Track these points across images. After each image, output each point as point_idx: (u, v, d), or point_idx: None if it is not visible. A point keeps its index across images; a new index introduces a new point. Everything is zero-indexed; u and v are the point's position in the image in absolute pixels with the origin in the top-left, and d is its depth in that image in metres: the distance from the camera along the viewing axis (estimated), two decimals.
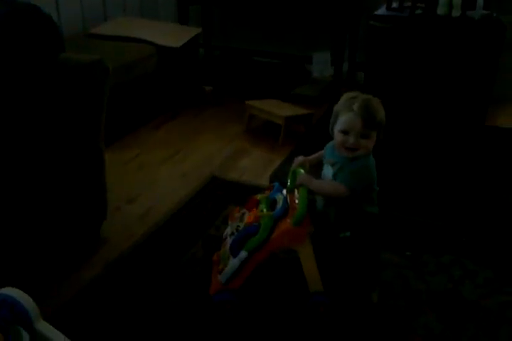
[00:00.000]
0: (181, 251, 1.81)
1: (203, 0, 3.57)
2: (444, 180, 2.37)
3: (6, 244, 1.46)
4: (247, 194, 1.75)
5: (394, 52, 2.64)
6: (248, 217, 1.56)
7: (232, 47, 3.93)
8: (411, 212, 2.10)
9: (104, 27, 3.02)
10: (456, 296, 1.63)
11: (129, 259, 1.76)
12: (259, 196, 1.63)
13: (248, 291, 1.56)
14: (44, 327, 0.98)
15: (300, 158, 1.63)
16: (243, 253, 1.46)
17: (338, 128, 1.47)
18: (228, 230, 1.63)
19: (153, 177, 2.35)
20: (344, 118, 1.44)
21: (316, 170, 1.61)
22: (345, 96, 1.50)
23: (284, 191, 1.58)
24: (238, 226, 1.58)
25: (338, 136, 1.47)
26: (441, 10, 2.54)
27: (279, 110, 2.77)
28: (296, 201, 1.49)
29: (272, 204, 1.57)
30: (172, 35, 3.04)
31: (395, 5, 2.71)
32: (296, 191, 1.54)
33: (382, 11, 2.70)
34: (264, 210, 1.54)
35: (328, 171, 1.53)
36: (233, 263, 1.48)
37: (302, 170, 1.57)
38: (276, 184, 1.65)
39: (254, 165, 2.49)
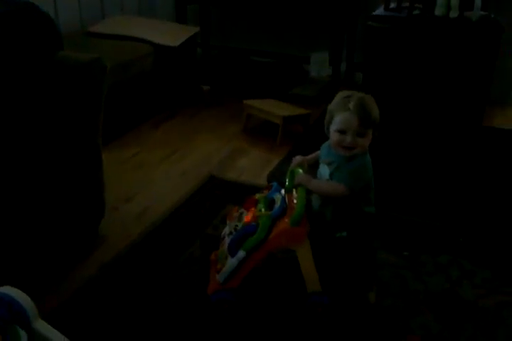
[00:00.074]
0: (179, 250, 1.81)
1: None
2: (442, 181, 2.38)
3: (3, 243, 1.46)
4: (246, 193, 1.75)
5: (392, 52, 2.64)
6: (246, 217, 1.56)
7: (230, 47, 3.92)
8: (409, 212, 2.11)
9: (102, 25, 3.01)
10: (454, 296, 1.63)
11: (126, 258, 1.76)
12: (257, 196, 1.63)
13: (246, 291, 1.55)
14: (42, 326, 0.98)
15: (298, 158, 1.63)
16: (241, 253, 1.46)
17: (334, 127, 1.46)
18: (226, 230, 1.63)
19: (151, 177, 2.35)
20: (340, 117, 1.44)
21: (312, 170, 1.61)
22: (339, 96, 1.49)
23: (283, 191, 1.58)
24: (236, 225, 1.58)
25: (334, 136, 1.47)
26: (439, 11, 2.54)
27: (277, 110, 2.77)
28: (295, 201, 1.49)
29: (270, 203, 1.57)
30: (170, 34, 3.04)
31: (393, 5, 2.72)
32: (294, 191, 1.54)
33: (380, 11, 2.71)
34: (263, 210, 1.53)
35: (324, 171, 1.53)
36: (231, 262, 1.48)
37: (300, 170, 1.57)
38: (275, 184, 1.65)
39: (252, 165, 2.49)
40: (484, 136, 2.80)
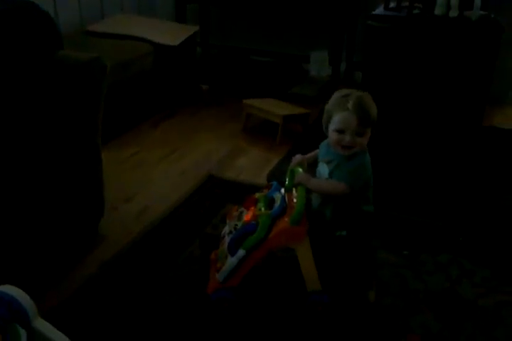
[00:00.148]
0: (179, 249, 1.81)
1: None
2: (442, 180, 2.38)
3: (3, 242, 1.46)
4: (245, 193, 1.75)
5: (391, 51, 2.64)
6: (246, 216, 1.56)
7: (230, 46, 3.92)
8: (408, 211, 2.11)
9: (102, 25, 3.01)
10: (454, 295, 1.63)
11: (126, 258, 1.76)
12: (257, 195, 1.63)
13: (246, 290, 1.55)
14: (42, 325, 0.98)
15: (298, 157, 1.63)
16: (241, 252, 1.46)
17: (333, 127, 1.46)
18: (226, 229, 1.63)
19: (150, 176, 2.35)
20: (339, 117, 1.44)
21: (311, 168, 1.61)
22: (337, 94, 1.49)
23: (282, 190, 1.58)
24: (236, 224, 1.57)
25: (333, 135, 1.47)
26: (438, 10, 2.54)
27: (277, 109, 2.77)
28: (294, 200, 1.49)
29: (270, 202, 1.57)
30: (169, 34, 3.04)
31: (392, 5, 2.71)
32: (294, 190, 1.54)
33: (379, 10, 2.71)
34: (263, 209, 1.53)
35: (323, 169, 1.53)
36: (231, 261, 1.48)
37: (300, 169, 1.57)
38: (275, 183, 1.65)
39: (251, 164, 2.49)
40: (484, 135, 2.81)
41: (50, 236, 1.63)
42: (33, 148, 1.53)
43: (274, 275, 1.66)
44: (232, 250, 1.48)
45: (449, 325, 1.52)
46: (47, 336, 0.96)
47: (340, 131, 1.44)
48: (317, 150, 1.62)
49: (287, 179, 1.59)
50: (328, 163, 1.51)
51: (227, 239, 1.55)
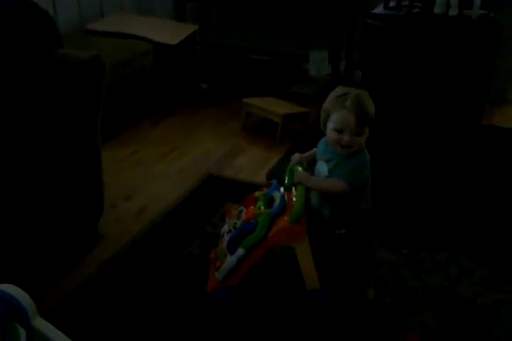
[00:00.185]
0: (178, 248, 1.81)
1: None
2: (441, 179, 2.38)
3: (2, 241, 1.46)
4: (245, 191, 1.75)
5: (391, 50, 2.64)
6: (245, 215, 1.56)
7: (229, 45, 3.92)
8: (408, 210, 2.11)
9: (101, 23, 3.00)
10: (453, 294, 1.63)
11: (125, 257, 1.76)
12: (256, 193, 1.63)
13: (245, 289, 1.56)
14: (41, 323, 0.98)
15: (297, 156, 1.63)
16: (240, 251, 1.46)
17: (331, 126, 1.46)
18: (225, 227, 1.63)
19: (149, 175, 2.35)
20: (337, 116, 1.43)
21: (309, 167, 1.61)
22: (335, 93, 1.48)
23: (282, 189, 1.58)
24: (235, 223, 1.57)
25: (332, 134, 1.46)
26: (438, 9, 2.54)
27: (276, 108, 2.77)
28: (294, 199, 1.50)
29: (269, 201, 1.57)
30: (169, 32, 3.03)
31: (392, 4, 2.71)
32: (293, 189, 1.54)
33: (379, 9, 2.70)
34: (262, 208, 1.54)
35: (322, 168, 1.53)
36: (230, 260, 1.48)
37: (300, 168, 1.57)
38: (274, 181, 1.65)
39: (251, 163, 2.49)
40: (483, 134, 2.81)
41: (50, 235, 1.63)
42: (32, 147, 1.53)
43: (273, 274, 1.66)
44: (232, 249, 1.48)
45: (447, 324, 1.52)
46: (46, 335, 0.96)
47: (338, 131, 1.44)
48: (315, 149, 1.62)
49: (287, 178, 1.59)
50: (327, 161, 1.51)
51: (226, 238, 1.55)
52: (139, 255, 1.77)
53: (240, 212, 1.61)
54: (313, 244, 1.47)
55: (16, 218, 1.49)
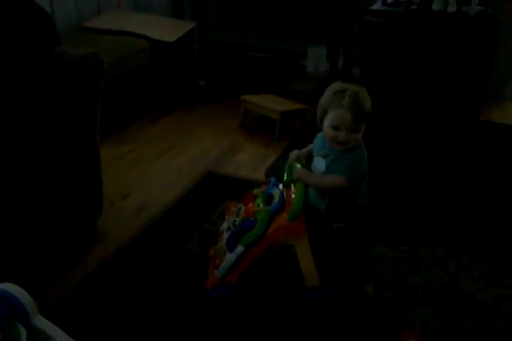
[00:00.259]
0: (177, 246, 1.81)
1: None
2: (439, 175, 2.38)
3: (2, 240, 1.45)
4: (243, 189, 1.75)
5: (389, 47, 2.63)
6: (245, 212, 1.56)
7: (227, 42, 3.90)
8: (406, 206, 2.11)
9: (98, 21, 2.99)
10: (452, 290, 1.64)
11: (125, 255, 1.76)
12: (255, 191, 1.62)
13: (245, 286, 1.56)
14: (41, 322, 0.98)
15: (295, 153, 1.63)
16: (240, 248, 1.46)
17: (328, 123, 1.46)
18: (225, 225, 1.63)
19: (148, 173, 2.34)
20: (334, 114, 1.43)
21: (306, 163, 1.61)
22: (332, 89, 1.47)
23: (281, 186, 1.58)
24: (235, 221, 1.57)
25: (329, 131, 1.46)
26: (436, 5, 2.53)
27: (275, 105, 2.77)
28: (293, 196, 1.49)
29: (268, 199, 1.57)
30: (166, 30, 3.02)
31: (390, 0, 2.70)
32: (292, 186, 1.54)
33: (377, 6, 2.70)
34: (261, 205, 1.53)
35: (319, 163, 1.53)
36: (230, 258, 1.48)
37: (298, 165, 1.57)
38: (273, 179, 1.65)
39: (249, 160, 2.49)
40: (481, 130, 2.81)
41: (49, 234, 1.63)
42: (30, 145, 1.52)
43: (272, 272, 1.66)
44: (231, 246, 1.48)
45: (447, 320, 1.52)
46: (47, 333, 0.96)
47: (335, 128, 1.44)
48: (311, 145, 1.61)
49: (285, 175, 1.59)
50: (324, 156, 1.51)
51: (225, 236, 1.55)
52: (138, 253, 1.77)
53: (239, 209, 1.61)
54: (311, 239, 1.47)
55: (14, 217, 1.49)
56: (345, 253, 1.55)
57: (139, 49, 2.80)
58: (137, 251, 1.78)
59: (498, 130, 2.90)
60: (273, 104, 2.77)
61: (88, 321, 1.47)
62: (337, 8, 3.23)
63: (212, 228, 1.88)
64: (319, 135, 1.57)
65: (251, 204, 1.58)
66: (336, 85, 1.48)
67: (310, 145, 1.62)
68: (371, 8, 2.67)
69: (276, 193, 1.56)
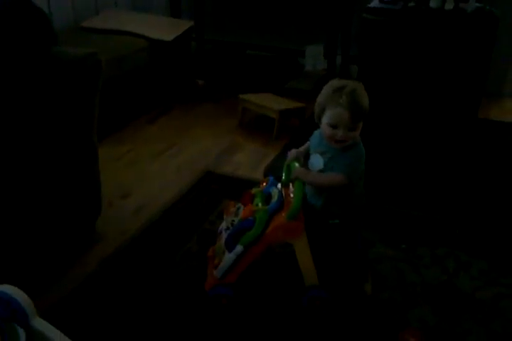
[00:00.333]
0: (176, 246, 1.81)
1: None
2: (438, 173, 2.38)
3: (1, 241, 1.45)
4: (242, 188, 1.75)
5: (387, 45, 2.63)
6: (243, 212, 1.56)
7: (225, 41, 3.90)
8: (405, 205, 2.11)
9: (96, 20, 2.99)
10: (451, 288, 1.64)
11: (124, 255, 1.76)
12: (254, 190, 1.62)
13: (244, 286, 1.56)
14: (40, 324, 0.98)
15: (293, 152, 1.63)
16: (239, 248, 1.46)
17: (326, 121, 1.46)
18: (223, 225, 1.62)
19: (146, 172, 2.34)
20: (332, 112, 1.43)
21: (305, 161, 1.61)
22: (330, 87, 1.46)
23: (279, 185, 1.58)
24: (233, 220, 1.57)
25: (326, 129, 1.46)
26: (434, 3, 2.53)
27: (273, 104, 2.76)
28: (291, 195, 1.49)
29: (267, 198, 1.57)
30: (164, 29, 3.02)
31: None
32: (291, 185, 1.54)
33: (375, 3, 2.69)
34: (259, 204, 1.53)
35: (317, 160, 1.52)
36: (229, 257, 1.48)
37: (297, 164, 1.57)
38: (271, 178, 1.64)
39: (248, 160, 2.48)
40: (480, 128, 2.81)
41: (47, 234, 1.63)
42: (27, 146, 1.52)
43: (271, 271, 1.66)
44: (230, 246, 1.48)
45: (446, 318, 1.52)
46: (45, 335, 0.96)
47: (333, 126, 1.44)
48: (308, 143, 1.61)
49: (284, 174, 1.59)
50: (321, 154, 1.51)
51: (224, 235, 1.55)
52: (137, 253, 1.77)
53: (238, 209, 1.60)
54: (308, 236, 1.47)
55: (13, 218, 1.48)
56: (341, 249, 1.55)
57: (137, 48, 2.80)
58: (136, 250, 1.78)
59: (497, 127, 2.90)
60: (271, 103, 2.77)
61: (88, 321, 1.47)
62: (335, 6, 3.23)
63: (211, 228, 1.88)
64: (316, 132, 1.57)
65: (249, 203, 1.58)
66: (334, 82, 1.48)
67: (307, 143, 1.62)
68: (369, 5, 2.67)
69: (274, 192, 1.56)
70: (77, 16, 3.03)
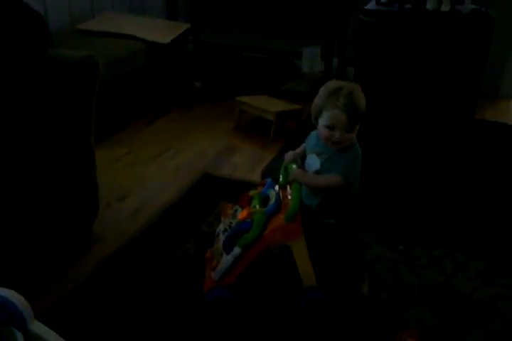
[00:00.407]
0: (174, 248, 1.81)
1: None
2: (435, 174, 2.39)
3: None
4: (240, 190, 1.75)
5: (384, 46, 2.64)
6: (241, 214, 1.56)
7: (222, 43, 3.91)
8: (403, 206, 2.11)
9: (93, 23, 2.99)
10: (449, 289, 1.64)
11: (121, 257, 1.75)
12: (251, 192, 1.62)
13: (242, 288, 1.56)
14: (38, 327, 0.97)
15: (290, 153, 1.63)
16: (236, 250, 1.46)
17: (323, 122, 1.46)
18: (221, 227, 1.62)
19: (144, 175, 2.34)
20: (329, 114, 1.44)
21: (302, 163, 1.61)
22: (327, 89, 1.47)
23: (277, 187, 1.58)
24: (231, 222, 1.57)
25: (323, 130, 1.47)
26: (430, 4, 2.54)
27: (270, 106, 2.77)
28: (289, 197, 1.49)
29: (264, 200, 1.57)
30: (161, 31, 3.02)
31: None
32: (288, 187, 1.54)
33: (371, 5, 2.70)
34: (257, 206, 1.53)
35: (313, 161, 1.53)
36: (227, 259, 1.48)
37: (294, 166, 1.57)
38: (269, 180, 1.64)
39: (245, 162, 2.49)
40: (476, 129, 2.82)
41: (45, 236, 1.62)
42: (24, 148, 1.52)
43: (270, 273, 1.66)
44: (228, 248, 1.48)
45: (444, 319, 1.53)
46: (44, 338, 0.96)
47: (330, 128, 1.45)
48: (304, 144, 1.62)
49: (281, 176, 1.59)
50: (318, 154, 1.52)
51: (222, 237, 1.55)
52: (135, 255, 1.77)
53: (236, 211, 1.61)
54: (305, 236, 1.47)
55: (10, 220, 1.48)
56: (336, 249, 1.55)
57: (134, 51, 2.80)
58: (134, 252, 1.78)
59: (493, 128, 2.91)
60: (268, 105, 2.77)
61: (87, 322, 1.47)
62: (331, 8, 3.24)
63: (208, 230, 1.87)
64: (313, 133, 1.58)
65: (247, 205, 1.58)
66: (331, 84, 1.48)
67: (303, 145, 1.63)
68: (365, 7, 2.67)
69: (272, 194, 1.56)
70: (74, 19, 3.03)
